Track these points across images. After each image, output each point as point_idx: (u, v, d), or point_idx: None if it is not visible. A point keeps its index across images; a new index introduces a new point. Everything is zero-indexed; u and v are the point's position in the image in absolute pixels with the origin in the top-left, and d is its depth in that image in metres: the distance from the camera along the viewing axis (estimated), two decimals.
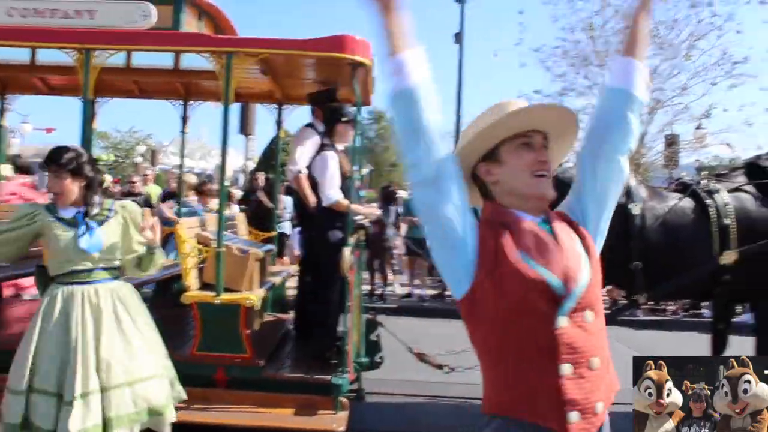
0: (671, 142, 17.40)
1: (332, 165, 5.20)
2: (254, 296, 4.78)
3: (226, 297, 4.69)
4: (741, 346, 5.70)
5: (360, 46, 4.63)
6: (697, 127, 17.02)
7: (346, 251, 4.64)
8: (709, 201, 5.54)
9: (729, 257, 5.41)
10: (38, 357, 3.49)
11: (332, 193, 5.16)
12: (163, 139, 44.09)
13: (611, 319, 9.43)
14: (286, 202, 11.09)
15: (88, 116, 4.77)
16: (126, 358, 3.54)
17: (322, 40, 4.57)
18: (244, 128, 15.92)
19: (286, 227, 11.65)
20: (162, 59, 6.31)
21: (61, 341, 3.48)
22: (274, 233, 7.01)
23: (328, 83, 5.87)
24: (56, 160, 3.57)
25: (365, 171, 37.64)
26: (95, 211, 3.66)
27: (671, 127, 17.29)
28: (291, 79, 6.10)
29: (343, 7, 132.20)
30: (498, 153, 1.97)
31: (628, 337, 9.65)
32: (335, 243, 5.01)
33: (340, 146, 5.45)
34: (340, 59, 4.67)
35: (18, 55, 6.09)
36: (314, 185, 5.30)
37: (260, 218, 9.59)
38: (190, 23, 5.09)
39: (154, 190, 12.45)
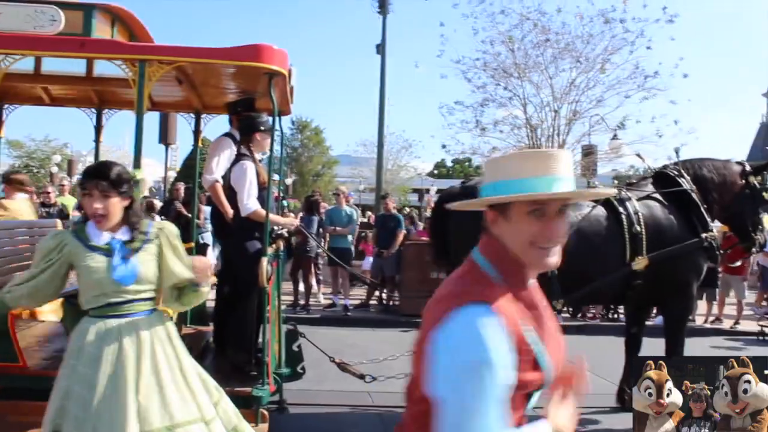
0: (588, 152, 17.96)
1: (250, 174, 5.14)
2: (170, 309, 4.67)
3: None
4: (654, 346, 5.94)
5: (277, 55, 4.58)
6: (613, 138, 17.61)
7: (264, 261, 4.59)
8: (621, 209, 5.74)
9: (641, 263, 5.60)
10: (68, 400, 3.05)
11: (250, 203, 5.10)
12: (81, 149, 42.69)
13: None
14: (207, 212, 10.90)
15: None
16: (164, 401, 3.11)
17: (238, 49, 4.50)
18: (164, 138, 15.58)
19: (208, 237, 11.46)
20: (74, 66, 6.11)
21: (94, 382, 3.03)
22: (191, 244, 6.87)
23: (247, 92, 5.82)
24: (105, 177, 3.11)
25: (289, 181, 37.45)
26: (133, 234, 3.23)
27: (588, 138, 17.86)
28: (208, 88, 6.00)
29: (268, 15, 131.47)
30: (509, 208, 1.76)
31: None
32: (253, 253, 4.95)
33: (257, 155, 5.40)
34: (256, 68, 4.62)
35: None
36: (232, 195, 5.23)
37: (180, 229, 9.41)
38: (102, 29, 4.93)
39: (70, 201, 12.09)
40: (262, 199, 5.11)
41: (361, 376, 5.70)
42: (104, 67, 5.86)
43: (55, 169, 30.45)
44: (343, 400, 6.54)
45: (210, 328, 6.28)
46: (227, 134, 5.81)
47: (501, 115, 18.05)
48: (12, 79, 4.67)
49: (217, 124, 6.65)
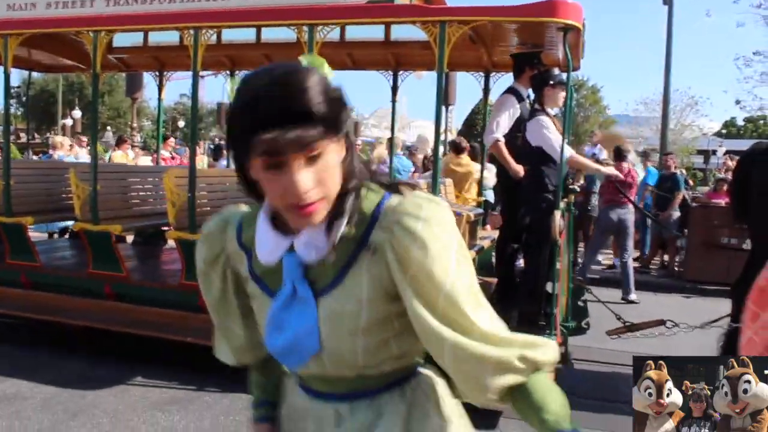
0: None
1: (549, 125, 5.18)
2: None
3: None
4: None
5: (571, 9, 4.59)
6: None
7: (557, 214, 4.66)
8: None
9: None
10: None
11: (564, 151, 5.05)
12: (364, 112, 45.63)
13: None
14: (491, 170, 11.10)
15: None
16: None
17: (533, 6, 4.57)
18: (445, 98, 16.11)
19: (489, 195, 11.71)
20: (372, 32, 6.60)
21: None
22: (481, 199, 7.16)
23: (536, 47, 5.85)
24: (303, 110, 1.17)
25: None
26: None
27: None
28: (499, 46, 6.14)
29: None
30: None
31: None
32: (545, 207, 5.02)
33: (550, 110, 5.42)
34: (551, 23, 4.66)
35: (244, 34, 6.65)
36: (530, 151, 5.29)
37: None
38: None
39: None
40: None
41: (661, 322, 5.55)
42: (400, 32, 6.26)
43: None
44: (627, 361, 6.43)
45: (494, 279, 6.49)
46: (510, 90, 5.87)
47: None
48: (323, 46, 5.11)
49: (503, 83, 6.80)
